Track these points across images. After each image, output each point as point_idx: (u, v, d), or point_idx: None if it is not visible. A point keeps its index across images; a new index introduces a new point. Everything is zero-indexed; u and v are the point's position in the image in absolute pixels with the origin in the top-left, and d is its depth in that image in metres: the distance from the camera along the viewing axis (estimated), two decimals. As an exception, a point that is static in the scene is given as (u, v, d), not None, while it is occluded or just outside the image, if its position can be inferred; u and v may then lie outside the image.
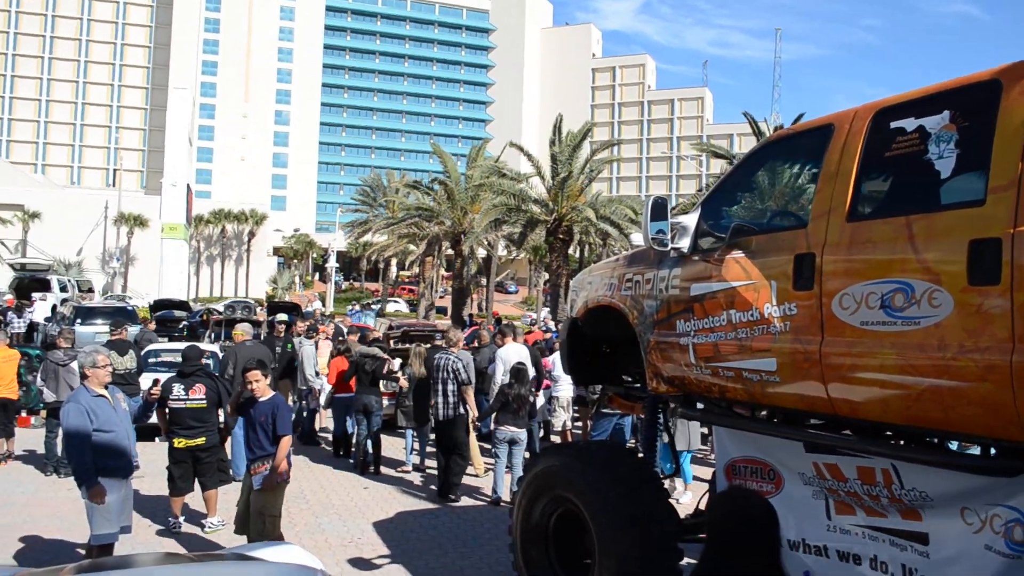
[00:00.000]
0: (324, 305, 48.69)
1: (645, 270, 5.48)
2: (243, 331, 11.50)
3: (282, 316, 15.74)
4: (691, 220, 5.12)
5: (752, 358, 4.47)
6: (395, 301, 70.34)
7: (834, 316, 4.09)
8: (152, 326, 19.84)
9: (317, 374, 13.68)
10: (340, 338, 15.77)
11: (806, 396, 4.24)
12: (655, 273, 5.35)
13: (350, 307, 40.87)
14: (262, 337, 12.82)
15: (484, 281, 46.86)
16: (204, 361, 8.77)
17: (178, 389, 8.25)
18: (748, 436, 4.94)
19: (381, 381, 11.86)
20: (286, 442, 7.01)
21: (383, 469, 11.61)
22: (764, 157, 5.11)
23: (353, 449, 12.28)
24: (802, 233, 4.35)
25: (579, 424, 13.82)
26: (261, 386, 7.12)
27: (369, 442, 11.59)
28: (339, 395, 12.78)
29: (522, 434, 10.02)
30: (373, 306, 38.77)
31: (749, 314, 4.52)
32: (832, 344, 4.10)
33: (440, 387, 10.16)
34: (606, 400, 7.02)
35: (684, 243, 5.07)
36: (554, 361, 12.79)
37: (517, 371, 10.10)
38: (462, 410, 10.16)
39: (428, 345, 13.37)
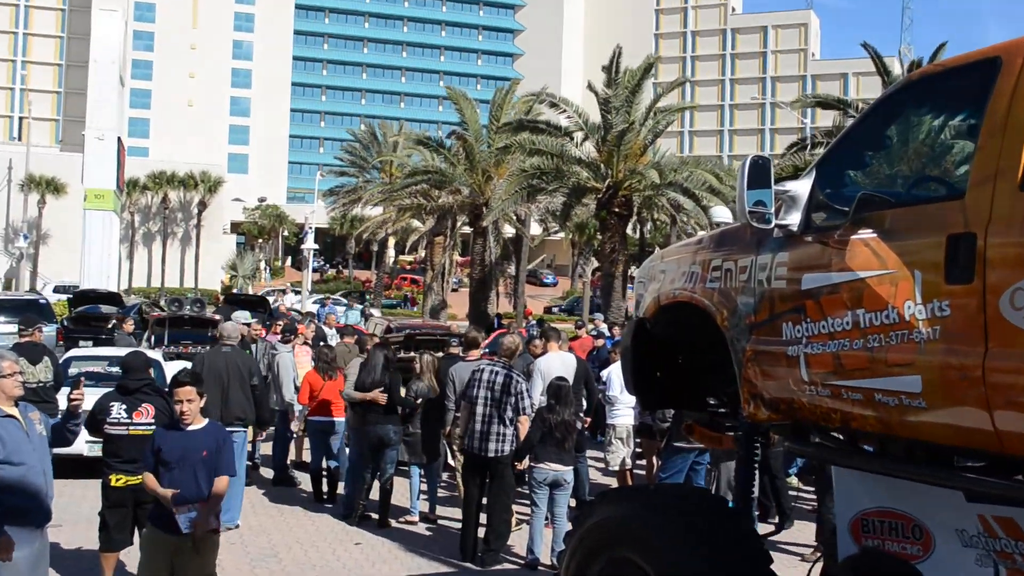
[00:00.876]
0: (301, 299, 49.06)
1: (739, 255, 5.48)
2: (228, 331, 11.63)
3: (243, 315, 15.87)
4: (802, 188, 5.10)
5: (888, 375, 4.43)
6: (393, 294, 70.87)
7: (1003, 319, 4.03)
8: (128, 327, 19.94)
9: (297, 390, 13.80)
10: (323, 344, 15.90)
11: (963, 427, 4.18)
12: (753, 259, 5.33)
13: (315, 299, 41.06)
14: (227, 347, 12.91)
15: (512, 269, 46.97)
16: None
17: (118, 410, 8.33)
18: (884, 481, 4.90)
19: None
20: (224, 484, 7.12)
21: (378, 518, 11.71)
22: (901, 104, 5.07)
23: (340, 492, 12.38)
24: (957, 206, 4.30)
25: (642, 462, 13.82)
26: (193, 409, 7.16)
27: (376, 485, 11.76)
28: (314, 418, 12.94)
29: (567, 474, 10.09)
30: (356, 303, 38.97)
31: (883, 315, 4.48)
32: (1000, 356, 4.04)
33: (485, 409, 10.30)
34: (682, 430, 7.00)
35: (793, 219, 5.06)
36: (610, 377, 12.85)
37: (557, 389, 10.21)
38: (512, 447, 10.32)
39: (440, 354, 13.43)
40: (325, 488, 12.91)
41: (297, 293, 54.67)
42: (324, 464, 13.00)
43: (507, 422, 10.25)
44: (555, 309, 73.09)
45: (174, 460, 7.03)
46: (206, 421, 7.34)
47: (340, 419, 12.78)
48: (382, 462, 11.68)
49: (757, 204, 5.04)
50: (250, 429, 11.77)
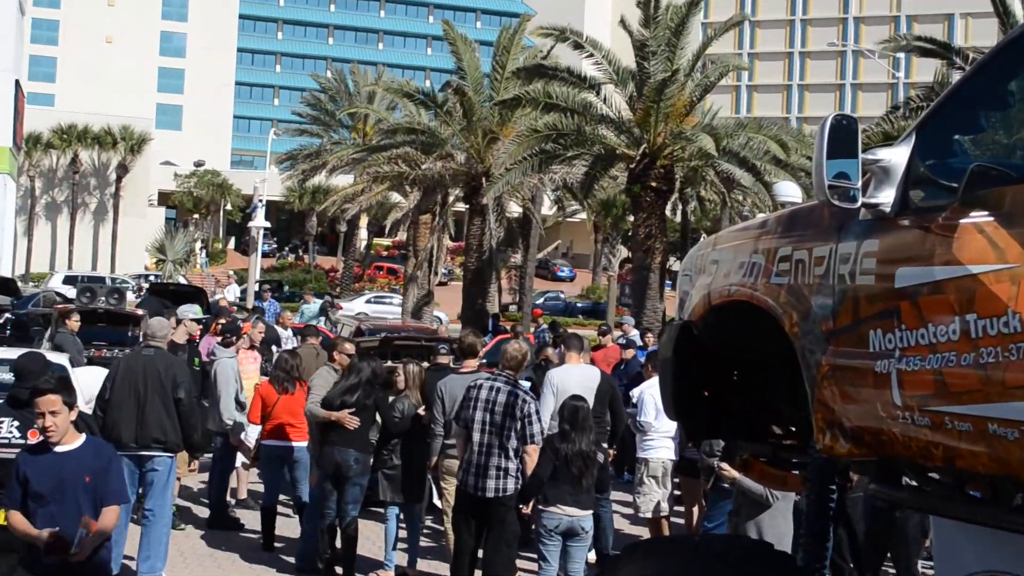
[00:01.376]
0: (242, 291, 49.10)
1: (814, 242, 5.48)
2: (155, 329, 11.63)
3: (191, 310, 15.88)
4: (898, 158, 5.11)
5: (1006, 399, 4.42)
6: (366, 290, 70.98)
7: None
8: (74, 324, 19.01)
9: (242, 407, 13.85)
10: (283, 351, 15.93)
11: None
12: (832, 247, 5.33)
13: (231, 290, 40.89)
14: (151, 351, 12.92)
15: (518, 258, 47.08)
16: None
17: (7, 427, 8.34)
18: (998, 536, 4.90)
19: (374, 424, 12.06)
20: (114, 517, 7.15)
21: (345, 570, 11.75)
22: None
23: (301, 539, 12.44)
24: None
25: (681, 508, 13.91)
26: (61, 424, 7.10)
27: (339, 531, 11.81)
28: (268, 442, 13.06)
29: (586, 521, 10.14)
30: (312, 297, 38.79)
31: (1001, 323, 4.46)
32: None
33: (483, 437, 10.31)
34: (739, 467, 7.00)
35: (885, 196, 5.06)
36: (642, 399, 12.89)
37: (573, 411, 10.24)
38: (517, 484, 10.38)
39: (426, 364, 13.45)
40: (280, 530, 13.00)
41: (242, 284, 54.73)
42: (279, 500, 13.14)
43: (511, 453, 10.26)
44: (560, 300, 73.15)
45: (47, 491, 7.02)
46: (82, 438, 7.32)
47: (301, 444, 12.85)
48: (342, 500, 11.70)
49: (839, 177, 5.04)
50: (182, 457, 11.73)
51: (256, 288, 43.83)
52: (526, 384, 12.41)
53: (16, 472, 7.15)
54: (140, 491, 11.12)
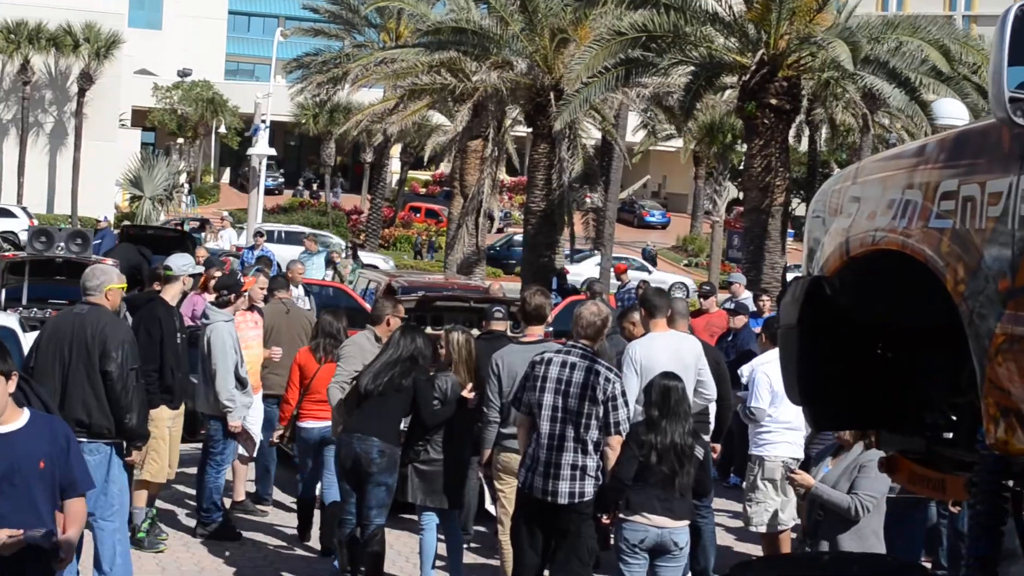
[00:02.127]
0: (238, 234, 49.34)
1: (989, 173, 5.46)
2: (90, 279, 11.62)
3: (181, 261, 15.91)
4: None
5: None
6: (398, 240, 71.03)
7: None
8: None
9: (243, 384, 14.10)
10: (327, 311, 16.24)
11: None
12: (1013, 180, 5.30)
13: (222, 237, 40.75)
14: (122, 312, 13.05)
15: (596, 198, 46.94)
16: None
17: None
18: None
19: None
20: (81, 510, 7.28)
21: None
22: None
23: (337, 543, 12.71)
24: None
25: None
26: None
27: (359, 537, 11.94)
28: (307, 424, 13.62)
29: (679, 534, 10.20)
30: (314, 246, 38.65)
31: None
32: None
33: (553, 426, 10.36)
34: (882, 466, 7.00)
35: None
36: (754, 379, 12.91)
37: (664, 393, 10.28)
38: (594, 486, 10.43)
39: (476, 332, 13.49)
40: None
41: (240, 227, 54.97)
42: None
43: (589, 447, 10.31)
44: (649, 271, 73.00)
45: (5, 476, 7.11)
46: (26, 413, 7.38)
47: None
48: (363, 504, 11.81)
49: (1024, 88, 5.02)
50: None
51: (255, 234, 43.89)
52: None
53: None
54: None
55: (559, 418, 10.29)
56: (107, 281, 11.59)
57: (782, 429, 12.68)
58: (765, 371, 12.56)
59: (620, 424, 10.31)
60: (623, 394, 10.46)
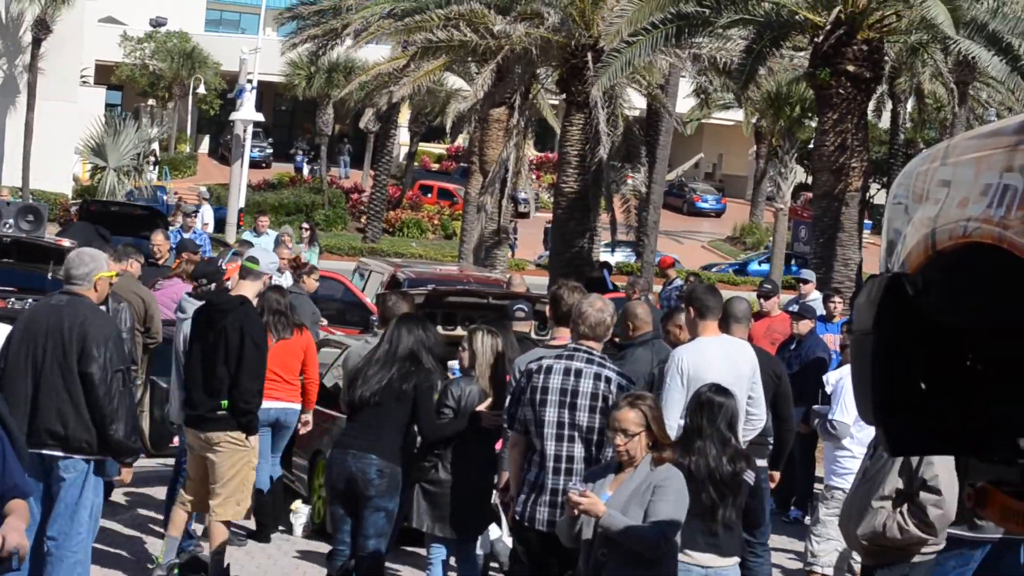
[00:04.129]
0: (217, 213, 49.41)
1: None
2: (74, 264, 11.57)
3: (272, 261, 15.96)
4: None
5: None
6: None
7: None
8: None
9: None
10: (272, 286, 16.28)
11: None
12: None
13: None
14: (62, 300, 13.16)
15: (639, 178, 46.90)
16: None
17: None
18: None
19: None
20: (23, 514, 7.27)
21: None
22: None
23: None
24: None
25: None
26: None
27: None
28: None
29: (728, 573, 10.24)
30: (268, 229, 38.12)
31: None
32: None
33: (558, 445, 10.38)
34: (965, 499, 6.97)
35: None
36: (841, 387, 12.91)
37: (708, 408, 10.26)
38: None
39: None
40: None
41: (215, 205, 55.00)
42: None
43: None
44: (717, 267, 73.09)
45: None
46: None
47: (293, 406, 14.03)
48: (359, 532, 11.85)
49: None
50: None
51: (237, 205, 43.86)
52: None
53: None
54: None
55: (565, 436, 10.33)
56: (97, 268, 11.44)
57: (857, 450, 12.61)
58: (843, 386, 12.52)
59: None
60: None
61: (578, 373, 10.34)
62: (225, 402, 12.77)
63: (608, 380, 10.33)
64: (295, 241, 37.87)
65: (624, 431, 8.96)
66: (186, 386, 13.26)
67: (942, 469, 9.55)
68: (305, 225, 36.44)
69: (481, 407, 11.96)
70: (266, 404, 14.00)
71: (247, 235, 33.58)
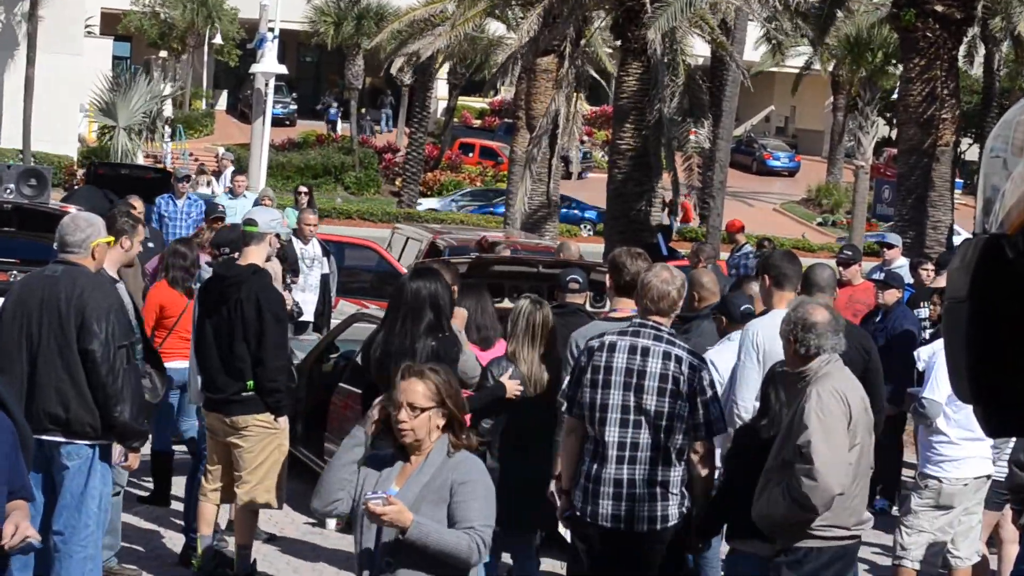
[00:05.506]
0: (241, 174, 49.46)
1: None
2: (68, 231, 11.54)
3: (273, 218, 15.95)
4: None
5: None
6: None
7: None
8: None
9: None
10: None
11: None
12: None
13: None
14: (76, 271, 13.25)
15: (702, 135, 46.83)
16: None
17: None
18: None
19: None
20: (24, 516, 7.35)
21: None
22: None
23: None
24: None
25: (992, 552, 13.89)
26: None
27: None
28: (175, 363, 14.46)
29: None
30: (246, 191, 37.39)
31: None
32: None
33: (622, 431, 10.34)
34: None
35: None
36: (934, 363, 12.90)
37: (783, 386, 10.27)
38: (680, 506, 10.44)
39: (554, 304, 13.51)
40: None
41: (236, 167, 55.04)
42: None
43: (672, 458, 10.35)
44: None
45: None
46: None
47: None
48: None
49: None
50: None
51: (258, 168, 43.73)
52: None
53: None
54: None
55: (631, 421, 10.28)
56: (94, 235, 11.43)
57: (967, 441, 12.51)
58: (937, 362, 12.45)
59: (712, 425, 10.35)
60: (712, 386, 10.45)
61: (645, 351, 10.27)
62: (251, 382, 12.80)
63: (679, 360, 10.24)
64: (276, 205, 37.04)
65: (410, 405, 7.86)
66: (204, 368, 13.28)
67: (817, 435, 9.25)
68: (303, 188, 35.56)
69: (508, 383, 11.97)
70: (178, 364, 14.53)
71: (222, 198, 32.14)
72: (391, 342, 11.68)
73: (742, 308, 13.00)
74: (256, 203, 30.33)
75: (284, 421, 13.21)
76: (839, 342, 9.78)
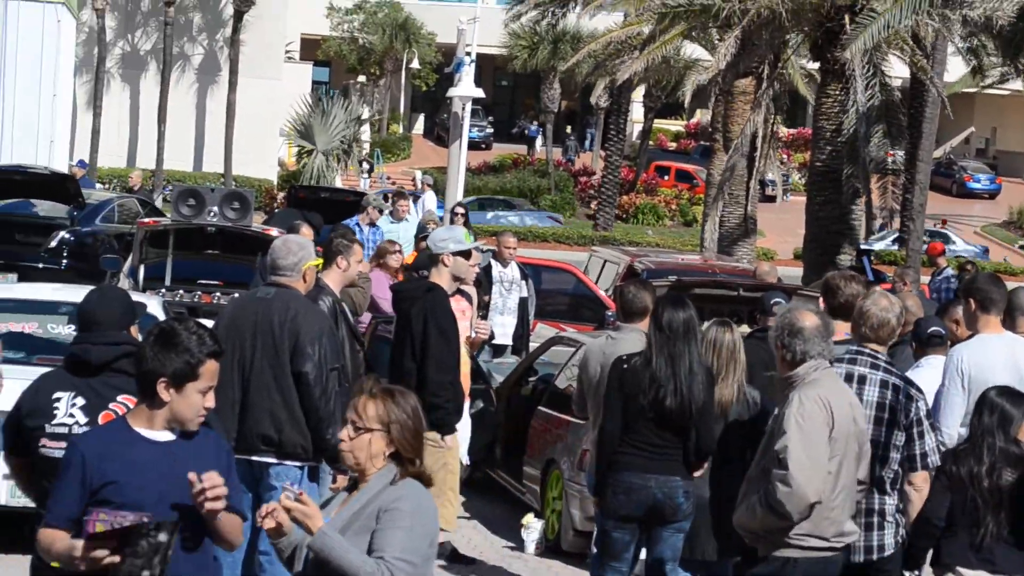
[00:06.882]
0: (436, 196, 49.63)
1: None
2: (279, 254, 11.69)
3: (445, 238, 16.05)
4: None
5: None
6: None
7: None
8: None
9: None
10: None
11: None
12: None
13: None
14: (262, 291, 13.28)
15: (899, 155, 46.30)
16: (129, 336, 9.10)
17: (66, 408, 8.67)
18: None
19: None
20: (236, 533, 7.52)
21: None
22: None
23: None
24: None
25: None
26: None
27: None
28: None
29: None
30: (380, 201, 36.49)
31: None
32: None
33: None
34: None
35: None
36: None
37: (999, 412, 10.11)
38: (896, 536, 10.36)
39: (746, 329, 13.46)
40: None
41: (433, 188, 55.14)
42: None
43: (887, 486, 10.28)
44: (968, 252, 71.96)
45: (144, 500, 7.30)
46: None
47: None
48: (653, 553, 12.03)
49: None
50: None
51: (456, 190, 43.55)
52: None
53: (72, 465, 7.40)
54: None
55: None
56: (306, 257, 11.62)
57: None
58: None
59: (928, 456, 10.21)
60: (928, 416, 10.34)
61: (862, 379, 10.21)
62: None
63: (897, 389, 10.19)
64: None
65: (353, 423, 7.35)
66: None
67: (795, 441, 9.12)
68: (460, 209, 35.27)
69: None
70: None
71: (383, 221, 31.61)
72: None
73: (930, 331, 12.92)
74: (420, 227, 30.22)
75: (451, 439, 13.22)
76: (827, 348, 9.66)
